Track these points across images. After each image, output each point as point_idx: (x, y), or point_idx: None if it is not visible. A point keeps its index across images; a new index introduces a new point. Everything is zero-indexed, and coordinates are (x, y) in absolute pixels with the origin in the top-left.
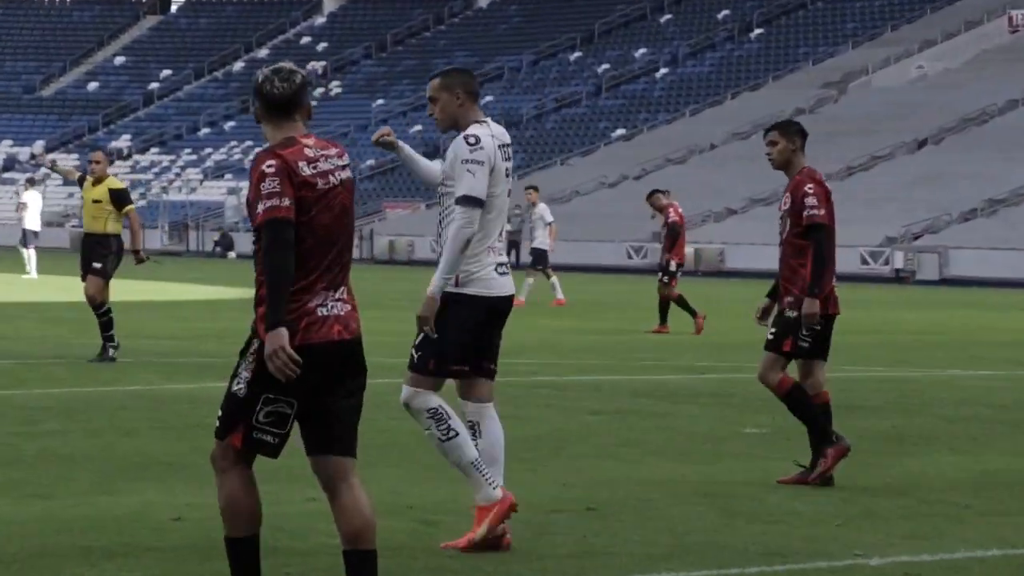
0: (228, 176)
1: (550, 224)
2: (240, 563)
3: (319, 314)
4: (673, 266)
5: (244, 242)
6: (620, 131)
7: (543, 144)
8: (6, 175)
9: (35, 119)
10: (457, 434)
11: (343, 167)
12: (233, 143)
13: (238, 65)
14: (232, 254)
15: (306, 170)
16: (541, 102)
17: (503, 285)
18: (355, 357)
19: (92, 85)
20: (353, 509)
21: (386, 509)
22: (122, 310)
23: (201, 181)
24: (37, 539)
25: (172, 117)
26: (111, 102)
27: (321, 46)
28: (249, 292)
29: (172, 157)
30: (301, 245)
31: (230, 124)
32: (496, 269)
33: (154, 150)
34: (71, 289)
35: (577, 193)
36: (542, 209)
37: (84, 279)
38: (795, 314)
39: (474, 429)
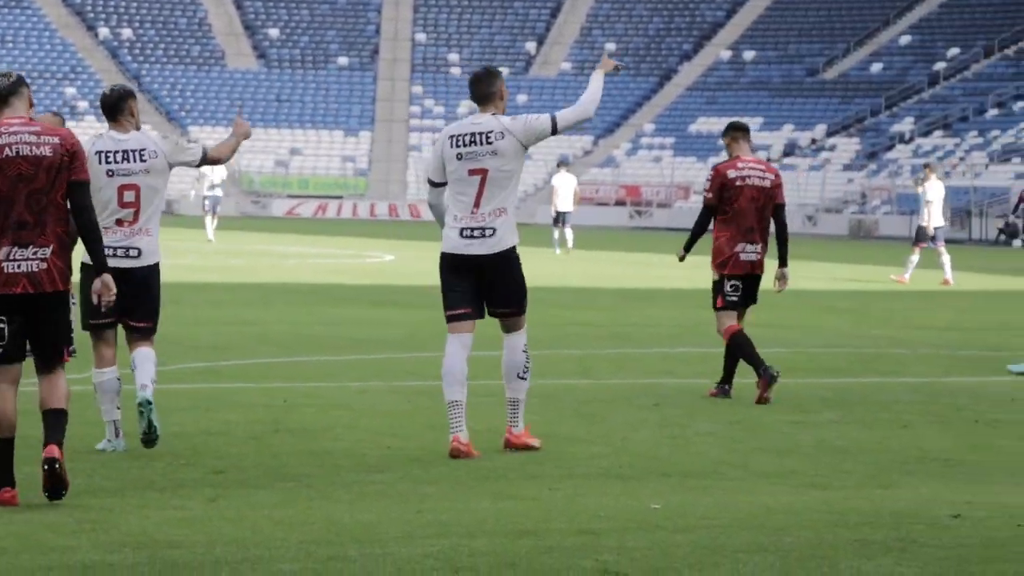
0: (1016, 160)
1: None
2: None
3: None
4: None
5: None
6: None
7: None
8: (787, 160)
9: (816, 103)
10: None
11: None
12: (1023, 125)
13: None
14: (1017, 242)
15: None
16: None
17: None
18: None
19: (876, 66)
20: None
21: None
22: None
23: (986, 165)
24: (811, 530)
25: (958, 99)
26: (894, 84)
27: None
28: None
29: (956, 140)
30: None
31: (1020, 105)
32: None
33: (938, 133)
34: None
35: None
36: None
37: None
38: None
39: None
